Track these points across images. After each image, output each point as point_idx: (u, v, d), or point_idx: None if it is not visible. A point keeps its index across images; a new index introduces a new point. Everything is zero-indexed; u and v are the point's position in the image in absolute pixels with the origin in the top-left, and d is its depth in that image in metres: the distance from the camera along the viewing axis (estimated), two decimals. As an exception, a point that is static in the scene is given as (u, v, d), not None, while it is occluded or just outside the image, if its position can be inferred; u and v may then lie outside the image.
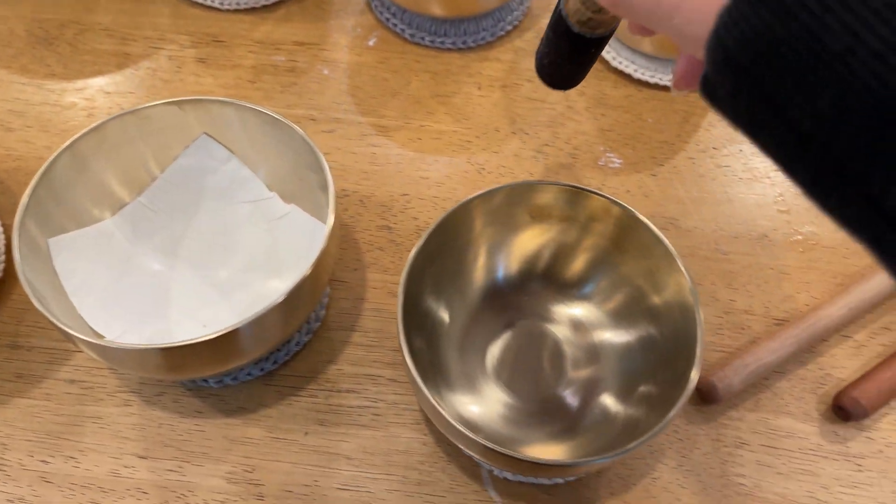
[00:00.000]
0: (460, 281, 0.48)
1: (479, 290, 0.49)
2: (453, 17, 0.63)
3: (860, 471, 0.46)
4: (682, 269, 0.42)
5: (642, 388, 0.44)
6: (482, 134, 0.59)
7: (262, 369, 0.48)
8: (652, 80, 0.61)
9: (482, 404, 0.46)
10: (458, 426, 0.37)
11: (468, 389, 0.47)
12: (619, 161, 0.58)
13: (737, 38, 0.20)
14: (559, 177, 0.57)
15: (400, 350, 0.40)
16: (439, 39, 0.63)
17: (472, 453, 0.41)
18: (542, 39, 0.37)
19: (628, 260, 0.46)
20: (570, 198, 0.46)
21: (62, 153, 0.45)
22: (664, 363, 0.43)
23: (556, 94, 0.61)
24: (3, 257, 0.51)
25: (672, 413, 0.38)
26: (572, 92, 0.62)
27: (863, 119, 0.18)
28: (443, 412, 0.37)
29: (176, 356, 0.40)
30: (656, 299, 0.45)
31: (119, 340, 0.45)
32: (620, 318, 0.47)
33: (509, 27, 0.64)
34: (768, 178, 0.57)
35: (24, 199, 0.43)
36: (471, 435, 0.37)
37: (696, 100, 0.61)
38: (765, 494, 0.45)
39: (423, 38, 0.63)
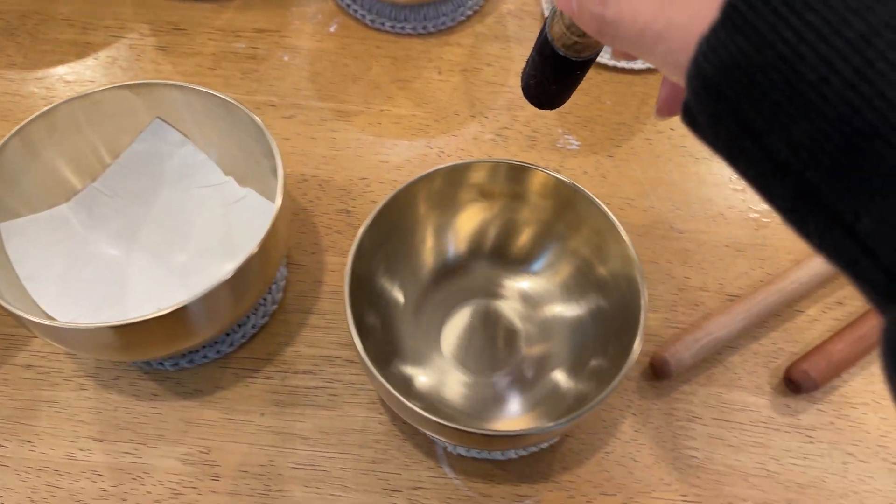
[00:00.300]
0: (412, 262, 0.49)
1: (431, 270, 0.49)
2: (413, 3, 0.63)
3: (811, 442, 0.47)
4: (626, 239, 0.43)
5: (593, 362, 0.45)
6: (442, 118, 0.60)
7: (218, 352, 0.48)
8: (610, 63, 0.62)
9: (440, 383, 0.47)
10: (398, 396, 0.37)
11: (425, 368, 0.47)
12: (577, 143, 0.58)
13: (715, 66, 0.20)
14: (518, 159, 0.57)
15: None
16: (399, 25, 0.63)
17: (418, 426, 0.41)
18: (528, 60, 0.38)
19: (574, 233, 0.47)
20: (512, 174, 0.46)
21: (11, 138, 0.45)
22: (614, 336, 0.44)
23: (516, 78, 0.62)
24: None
25: (614, 383, 0.38)
26: (532, 75, 0.62)
27: (836, 148, 0.18)
28: (383, 381, 0.38)
29: (127, 335, 0.40)
30: (603, 270, 0.45)
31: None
32: (570, 290, 0.48)
33: (469, 12, 0.65)
34: (724, 157, 0.58)
35: (-26, 183, 0.43)
36: (411, 405, 0.37)
37: (654, 82, 0.61)
38: (716, 466, 0.46)
39: (383, 24, 0.64)
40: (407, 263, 0.48)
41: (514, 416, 0.46)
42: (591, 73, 0.62)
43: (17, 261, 0.45)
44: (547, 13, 0.64)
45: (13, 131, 0.45)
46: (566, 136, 0.59)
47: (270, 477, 0.45)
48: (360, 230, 0.42)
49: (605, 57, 0.62)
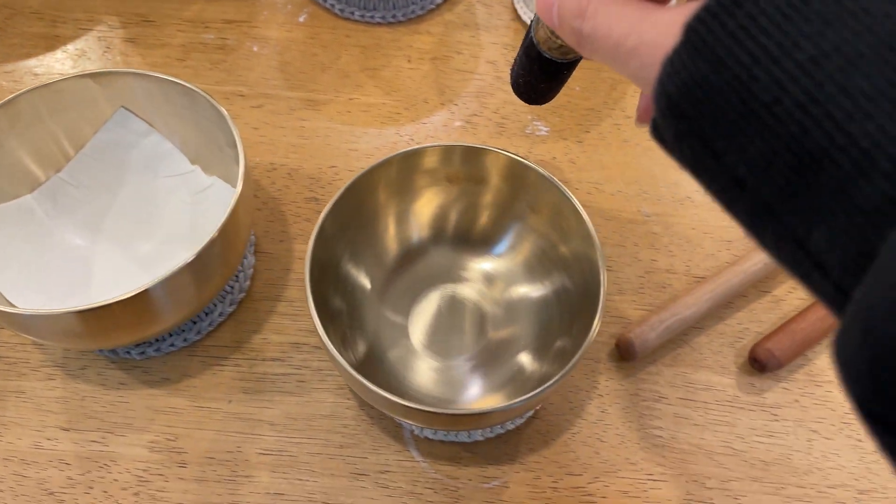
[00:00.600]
0: (377, 247, 0.49)
1: (396, 256, 0.50)
2: (382, -8, 0.63)
3: (776, 420, 0.47)
4: (585, 217, 0.43)
5: (559, 343, 0.45)
6: (411, 106, 0.60)
7: (185, 340, 0.48)
8: (579, 49, 0.62)
9: (407, 368, 0.47)
10: (358, 377, 0.38)
11: (393, 353, 0.47)
12: (546, 129, 0.59)
13: (678, 86, 0.21)
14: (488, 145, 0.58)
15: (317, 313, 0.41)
16: (369, 14, 0.64)
17: (382, 409, 0.41)
18: (516, 59, 0.39)
19: (534, 213, 0.47)
20: (468, 157, 0.46)
21: (-28, 128, 0.45)
22: (578, 316, 0.44)
23: (485, 66, 0.62)
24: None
25: (573, 361, 0.38)
26: (501, 62, 0.62)
27: (788, 167, 0.19)
28: (343, 362, 0.38)
29: (90, 320, 0.40)
30: (565, 250, 0.46)
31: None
32: (534, 271, 0.48)
33: (439, 0, 0.65)
34: (692, 141, 0.58)
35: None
36: (372, 386, 0.37)
37: (623, 67, 0.62)
38: (681, 445, 0.46)
39: (353, 13, 0.64)
40: (371, 249, 0.48)
41: (481, 398, 0.46)
42: (560, 60, 0.62)
43: (-19, 251, 0.45)
44: (517, 3, 0.64)
45: (-26, 121, 0.45)
46: (535, 123, 0.59)
47: (237, 463, 0.45)
48: (321, 216, 0.42)
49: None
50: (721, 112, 0.20)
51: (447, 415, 0.38)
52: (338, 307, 0.46)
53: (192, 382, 0.48)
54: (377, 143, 0.58)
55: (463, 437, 0.45)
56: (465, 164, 0.46)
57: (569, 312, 0.45)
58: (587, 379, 0.48)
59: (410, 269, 0.50)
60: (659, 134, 0.23)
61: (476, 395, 0.46)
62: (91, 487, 0.44)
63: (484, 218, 0.49)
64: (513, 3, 0.65)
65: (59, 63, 0.62)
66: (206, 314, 0.49)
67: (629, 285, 0.52)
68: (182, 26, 0.63)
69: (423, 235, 0.50)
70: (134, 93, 0.48)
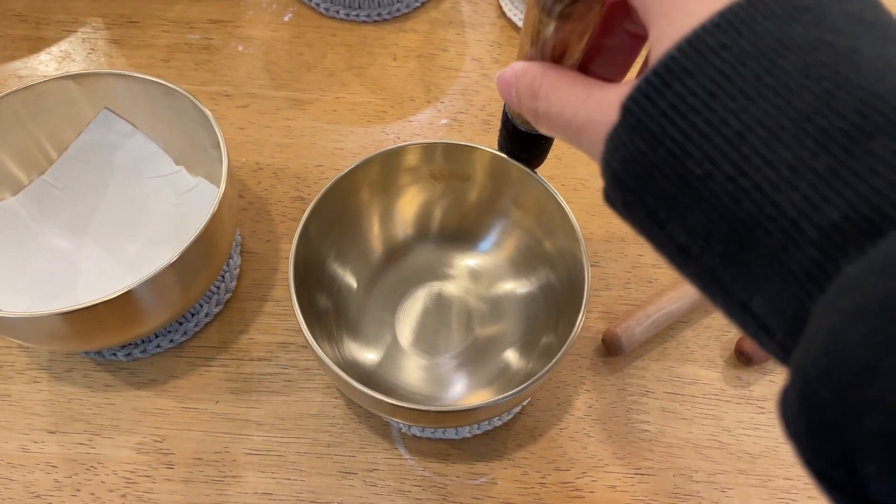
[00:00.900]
0: (362, 246, 0.49)
1: (382, 254, 0.49)
2: (367, -10, 0.63)
3: (762, 412, 0.47)
4: (568, 212, 0.43)
5: (544, 339, 0.45)
6: (397, 104, 0.60)
7: (171, 341, 0.48)
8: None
9: (394, 366, 0.47)
10: (344, 376, 0.37)
11: (380, 352, 0.47)
12: (532, 125, 0.58)
13: (619, 161, 0.22)
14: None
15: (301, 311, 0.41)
16: (354, 12, 0.63)
17: (368, 407, 0.41)
18: (499, 131, 0.41)
19: (518, 209, 0.47)
20: (450, 154, 0.46)
21: (-47, 130, 0.44)
22: (564, 312, 0.44)
23: (471, 63, 0.62)
24: None
25: (558, 356, 0.38)
26: (486, 59, 0.62)
27: (724, 236, 0.20)
28: (327, 360, 0.38)
29: (75, 322, 0.40)
30: (549, 245, 0.46)
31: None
32: (519, 267, 0.48)
33: (424, -1, 0.65)
34: (677, 136, 0.58)
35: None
36: (357, 385, 0.37)
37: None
38: (668, 439, 0.46)
39: (338, 12, 0.64)
40: (356, 248, 0.48)
41: (468, 395, 0.46)
42: (546, 56, 0.62)
43: (-36, 254, 0.45)
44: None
45: (-45, 124, 0.45)
46: (521, 119, 0.59)
47: (225, 463, 0.45)
48: (304, 217, 0.42)
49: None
50: (659, 185, 0.21)
51: (434, 412, 0.38)
52: (324, 306, 0.45)
53: (178, 383, 0.47)
54: (363, 141, 0.58)
55: (451, 434, 0.45)
56: (449, 161, 0.46)
57: (554, 308, 0.45)
58: (574, 374, 0.48)
59: (396, 267, 0.50)
60: (610, 202, 0.24)
61: (463, 391, 0.46)
62: (78, 490, 0.44)
63: (469, 215, 0.49)
64: (498, 1, 0.65)
65: (42, 65, 0.61)
66: (193, 315, 0.49)
67: (616, 280, 0.52)
68: (166, 27, 0.63)
69: (408, 233, 0.50)
70: (117, 94, 0.48)
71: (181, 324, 0.48)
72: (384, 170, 0.46)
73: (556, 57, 0.28)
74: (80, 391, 0.47)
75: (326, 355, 0.39)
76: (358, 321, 0.48)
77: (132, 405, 0.47)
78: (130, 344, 0.47)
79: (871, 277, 0.17)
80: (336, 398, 0.47)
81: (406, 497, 0.44)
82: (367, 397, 0.38)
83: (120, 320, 0.41)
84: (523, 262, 0.48)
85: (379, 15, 0.64)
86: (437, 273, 0.50)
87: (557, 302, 0.45)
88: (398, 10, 0.64)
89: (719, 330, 0.50)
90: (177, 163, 0.51)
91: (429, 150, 0.46)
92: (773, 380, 0.48)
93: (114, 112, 0.49)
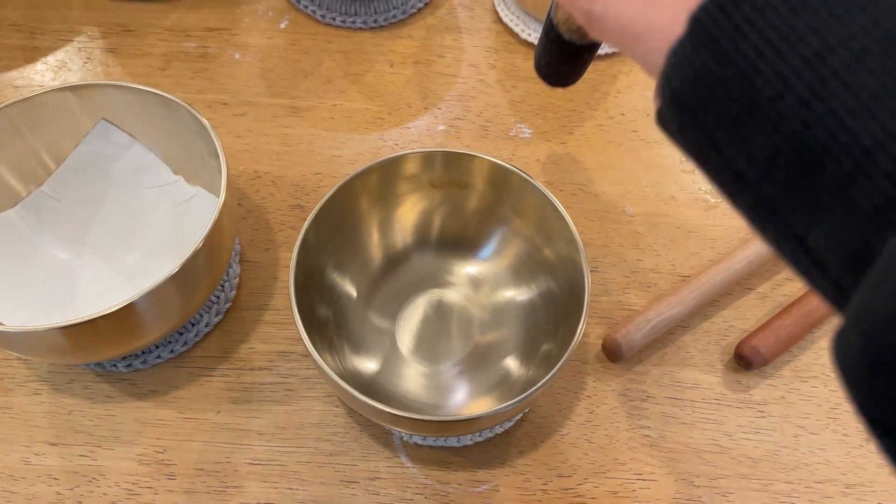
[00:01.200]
0: (362, 255, 0.49)
1: (381, 262, 0.50)
2: (363, -3, 0.63)
3: (762, 417, 0.47)
4: (567, 219, 0.43)
5: (545, 347, 0.45)
6: (394, 111, 0.60)
7: (172, 351, 0.48)
8: (561, 51, 0.62)
9: (395, 374, 0.47)
10: (345, 386, 0.38)
11: (380, 360, 0.47)
12: (529, 131, 0.59)
13: (682, 77, 0.21)
14: (471, 149, 0.58)
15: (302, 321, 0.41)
16: (350, 19, 0.64)
17: (369, 416, 0.41)
18: (538, 41, 0.39)
19: (518, 217, 0.47)
20: (448, 162, 0.46)
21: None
22: (564, 319, 0.44)
23: (468, 69, 0.62)
24: None
25: (559, 364, 0.39)
26: (483, 65, 0.62)
27: (789, 163, 0.19)
28: (330, 372, 0.38)
29: (75, 335, 0.40)
30: (549, 253, 0.46)
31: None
32: (520, 274, 0.48)
33: (420, 4, 0.65)
34: (675, 140, 0.58)
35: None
36: (358, 395, 0.37)
37: (605, 69, 0.62)
38: (669, 444, 0.46)
39: (334, 19, 0.64)
40: (356, 257, 0.48)
41: (469, 402, 0.46)
42: (542, 62, 0.62)
43: (-37, 267, 0.45)
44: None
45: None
46: (519, 125, 0.59)
47: (227, 474, 0.45)
48: (303, 227, 0.42)
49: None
50: (723, 106, 0.20)
51: (435, 422, 0.39)
52: (324, 316, 0.46)
53: (179, 394, 0.47)
54: (361, 148, 0.58)
55: (452, 441, 0.45)
56: (448, 169, 0.46)
57: (555, 316, 0.45)
58: (575, 380, 0.48)
59: (396, 275, 0.50)
60: (664, 123, 0.23)
61: (464, 399, 0.46)
62: (80, 502, 0.44)
63: (468, 222, 0.49)
64: (494, 6, 0.65)
65: (39, 75, 0.61)
66: (193, 325, 0.49)
67: (615, 285, 0.52)
68: (163, 35, 0.63)
69: (407, 241, 0.50)
70: (114, 105, 0.48)
71: (181, 334, 0.48)
72: (383, 178, 0.46)
73: None
74: (81, 403, 0.47)
75: (327, 364, 0.39)
76: (358, 329, 0.48)
77: (133, 416, 0.47)
78: (131, 355, 0.47)
79: None
80: (337, 407, 0.47)
81: (408, 505, 0.44)
82: (368, 407, 0.38)
83: (120, 333, 0.41)
84: (524, 270, 0.48)
85: (375, 21, 0.64)
86: (437, 281, 0.50)
87: (558, 309, 0.45)
88: (394, 16, 0.64)
89: (718, 334, 0.50)
90: (175, 172, 0.51)
91: (428, 158, 0.46)
92: (773, 384, 0.48)
93: (112, 123, 0.49)
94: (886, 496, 0.45)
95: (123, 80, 0.60)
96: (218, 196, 0.49)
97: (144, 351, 0.48)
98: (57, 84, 0.57)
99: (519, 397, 0.38)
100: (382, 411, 0.38)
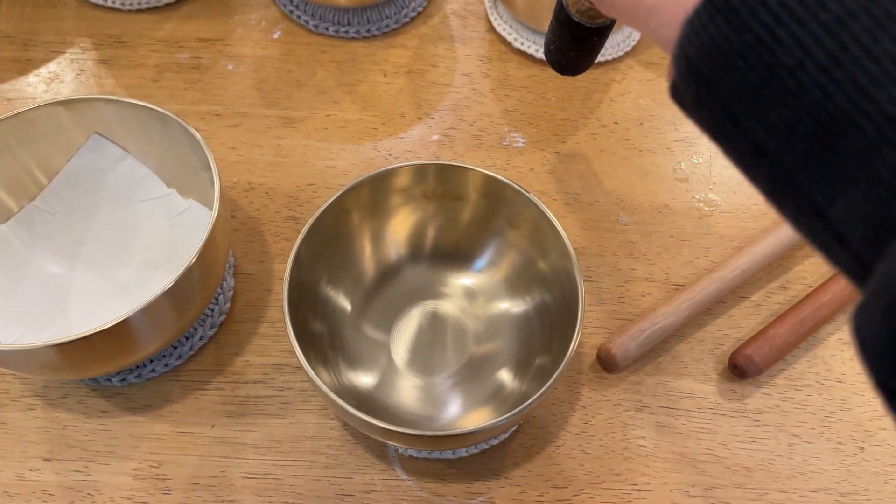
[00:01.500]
0: (355, 269, 0.49)
1: (375, 276, 0.50)
2: (356, 6, 0.63)
3: (757, 426, 0.47)
4: (561, 232, 0.43)
5: (540, 359, 0.45)
6: (388, 121, 0.60)
7: (166, 365, 0.48)
8: (554, 59, 0.62)
9: (390, 387, 0.47)
10: (339, 401, 0.38)
11: (375, 373, 0.47)
12: (523, 140, 0.59)
13: (698, 48, 0.20)
14: (464, 159, 0.58)
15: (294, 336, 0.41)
16: (343, 29, 0.64)
17: (364, 431, 0.41)
18: (549, 26, 0.38)
19: (512, 229, 0.47)
20: (440, 174, 0.46)
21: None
22: (558, 332, 0.44)
23: (462, 78, 0.62)
24: None
25: (553, 378, 0.39)
26: (476, 74, 0.62)
27: (810, 133, 0.18)
28: (324, 388, 0.38)
29: (69, 353, 0.40)
30: (544, 265, 0.46)
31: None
32: (514, 286, 0.48)
33: (413, 14, 0.65)
34: (668, 149, 0.58)
35: None
36: (351, 410, 0.37)
37: (597, 77, 0.62)
38: (664, 454, 0.46)
39: (327, 29, 0.64)
40: (349, 271, 0.48)
41: (464, 415, 0.46)
42: (535, 71, 0.62)
43: (-44, 283, 0.45)
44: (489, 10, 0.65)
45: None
46: (512, 134, 0.59)
47: (222, 488, 0.45)
48: (296, 244, 0.43)
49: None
50: (742, 76, 0.20)
51: (429, 437, 0.38)
52: (318, 331, 0.45)
53: (174, 408, 0.47)
54: (354, 159, 0.58)
55: (447, 453, 0.45)
56: (441, 181, 0.47)
57: (549, 328, 0.45)
58: (570, 391, 0.48)
59: (391, 287, 0.50)
60: (679, 97, 0.23)
61: (459, 411, 0.46)
62: (75, 518, 0.44)
63: (463, 234, 0.49)
64: (487, 15, 0.65)
65: (31, 87, 0.61)
66: (187, 338, 0.48)
67: (609, 295, 0.52)
68: (156, 46, 0.63)
69: (401, 253, 0.50)
70: (106, 119, 0.48)
71: (176, 347, 0.48)
72: (376, 192, 0.46)
73: None
74: (76, 417, 0.47)
75: (322, 379, 0.39)
76: (353, 342, 0.48)
77: (128, 431, 0.47)
78: (125, 369, 0.47)
79: None
80: (332, 419, 0.47)
81: (404, 518, 0.44)
82: (361, 422, 0.38)
83: (115, 349, 0.41)
84: (518, 282, 0.48)
85: (368, 31, 0.64)
86: (432, 292, 0.50)
87: (552, 322, 0.45)
88: (387, 25, 0.64)
89: (713, 343, 0.50)
90: (168, 185, 0.51)
91: (421, 171, 0.46)
92: (768, 392, 0.48)
93: (104, 136, 0.49)
94: (881, 504, 0.45)
95: (116, 92, 0.61)
96: (211, 209, 0.49)
97: (139, 365, 0.48)
98: (48, 98, 0.57)
99: (513, 412, 0.38)
100: (376, 426, 0.38)
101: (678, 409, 0.48)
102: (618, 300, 0.52)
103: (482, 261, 0.49)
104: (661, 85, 0.61)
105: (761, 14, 0.19)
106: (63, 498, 0.45)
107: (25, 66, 0.62)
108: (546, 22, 0.61)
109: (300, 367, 0.49)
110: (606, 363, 0.48)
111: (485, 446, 0.46)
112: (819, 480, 0.45)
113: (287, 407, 0.47)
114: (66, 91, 0.61)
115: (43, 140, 0.48)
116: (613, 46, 0.62)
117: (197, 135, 0.45)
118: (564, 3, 0.36)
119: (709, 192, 0.56)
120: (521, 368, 0.46)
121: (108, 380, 0.47)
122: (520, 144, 0.58)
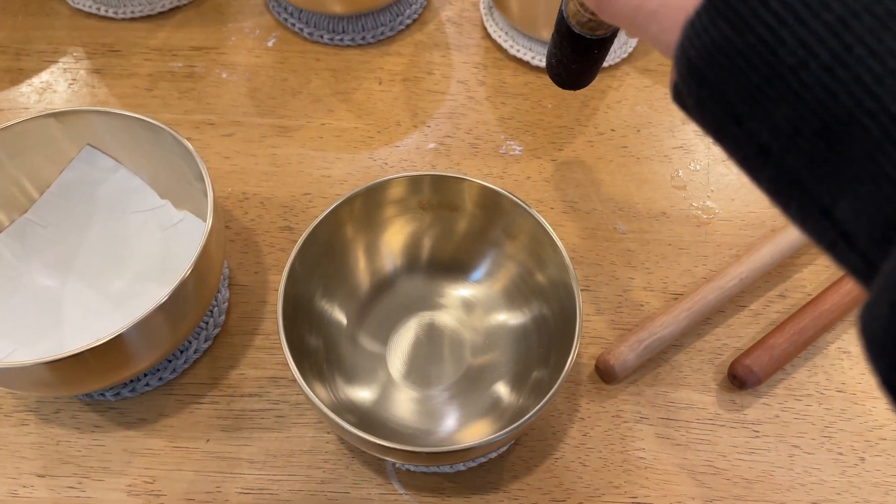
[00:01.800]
0: (350, 282, 0.48)
1: (370, 288, 0.49)
2: (351, 14, 0.63)
3: (757, 437, 0.47)
4: (559, 244, 0.43)
5: (537, 371, 0.45)
6: (384, 129, 0.59)
7: (160, 379, 0.47)
8: (550, 66, 0.62)
9: (387, 400, 0.46)
10: (334, 417, 0.37)
11: (371, 387, 0.47)
12: (519, 148, 0.58)
13: (699, 49, 0.20)
14: (460, 167, 0.57)
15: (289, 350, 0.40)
16: (338, 37, 0.63)
17: (360, 447, 0.41)
18: (550, 39, 0.38)
19: (510, 240, 0.47)
20: (435, 185, 0.46)
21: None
22: (556, 344, 0.44)
23: (457, 86, 0.62)
24: None
25: (551, 392, 0.38)
26: (472, 81, 0.62)
27: (814, 133, 0.18)
28: (320, 404, 0.38)
29: (62, 369, 0.39)
30: (541, 277, 0.45)
31: (5, 360, 0.44)
32: (512, 298, 0.48)
33: (409, 21, 0.64)
34: (665, 156, 0.58)
35: None
36: (347, 426, 0.37)
37: (594, 84, 0.61)
38: (664, 466, 0.46)
39: (322, 37, 0.63)
40: (345, 283, 0.48)
41: (461, 428, 0.46)
42: (532, 78, 0.62)
43: (-53, 298, 0.44)
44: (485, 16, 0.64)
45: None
46: (508, 142, 0.59)
47: (217, 503, 0.44)
48: (290, 258, 0.42)
49: (543, 61, 0.62)
50: (744, 76, 0.20)
51: (426, 453, 0.38)
52: (314, 345, 0.45)
53: (168, 422, 0.47)
54: (350, 168, 0.57)
55: (445, 467, 0.45)
56: (437, 192, 0.46)
57: (547, 340, 0.45)
58: (568, 402, 0.48)
59: (387, 298, 0.49)
60: (680, 99, 0.23)
61: (456, 425, 0.46)
62: (68, 535, 0.43)
63: (459, 244, 0.49)
64: (483, 22, 0.65)
65: (23, 97, 0.61)
66: (182, 352, 0.48)
67: (607, 305, 0.51)
68: (149, 55, 0.63)
69: (398, 264, 0.50)
70: (98, 130, 0.48)
71: (170, 361, 0.48)
72: (370, 203, 0.46)
73: None
74: (69, 433, 0.46)
75: (317, 394, 0.39)
76: (349, 355, 0.47)
77: (122, 446, 0.46)
78: (118, 383, 0.47)
79: None
80: (328, 433, 0.47)
81: (402, 533, 0.44)
82: (358, 438, 0.38)
83: (108, 365, 0.41)
84: (516, 294, 0.48)
85: (363, 39, 0.63)
86: (429, 303, 0.49)
87: (550, 334, 0.45)
88: (382, 33, 0.64)
89: (712, 353, 0.50)
90: (162, 197, 0.51)
91: (416, 181, 0.46)
92: (768, 402, 0.48)
93: (96, 148, 0.49)
94: (882, 516, 0.44)
95: (109, 101, 0.60)
96: (205, 220, 0.48)
97: (133, 379, 0.47)
98: (40, 109, 0.57)
99: (511, 427, 0.38)
100: (372, 443, 0.38)
101: (677, 420, 0.47)
102: (616, 310, 0.51)
103: (479, 272, 0.49)
104: (658, 92, 0.61)
105: (763, 14, 0.19)
106: (56, 515, 0.44)
107: (17, 75, 0.62)
108: (542, 28, 0.61)
109: (296, 381, 0.48)
110: (605, 374, 0.47)
111: (483, 460, 0.45)
112: (820, 491, 0.45)
113: (283, 420, 0.47)
114: (58, 101, 0.61)
115: (34, 152, 0.48)
116: (610, 53, 0.62)
117: (189, 146, 0.45)
118: (565, 16, 0.36)
119: (707, 199, 0.56)
120: (518, 381, 0.46)
121: (102, 394, 0.47)
122: (516, 152, 0.58)
